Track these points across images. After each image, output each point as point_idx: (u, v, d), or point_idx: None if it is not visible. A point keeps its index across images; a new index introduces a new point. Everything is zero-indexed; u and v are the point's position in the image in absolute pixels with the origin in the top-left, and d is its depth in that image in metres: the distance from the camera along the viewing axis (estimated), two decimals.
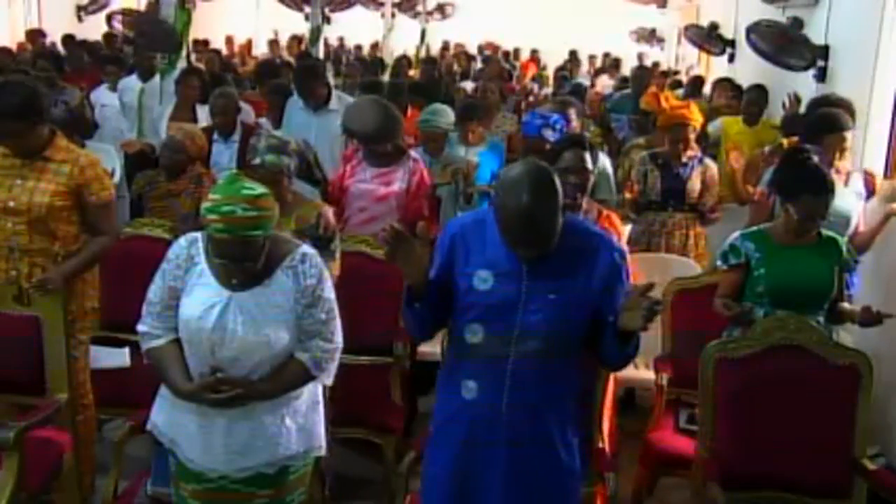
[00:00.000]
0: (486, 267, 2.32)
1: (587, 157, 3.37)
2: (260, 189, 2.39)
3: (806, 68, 5.97)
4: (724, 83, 7.83)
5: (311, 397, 2.62)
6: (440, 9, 17.37)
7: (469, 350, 2.38)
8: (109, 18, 12.19)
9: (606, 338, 2.29)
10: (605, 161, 4.76)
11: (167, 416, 2.58)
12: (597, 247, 2.36)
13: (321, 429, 2.66)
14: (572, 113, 4.87)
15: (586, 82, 11.76)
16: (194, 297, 2.45)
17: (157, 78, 6.50)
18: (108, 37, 10.76)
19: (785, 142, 4.72)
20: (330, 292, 2.54)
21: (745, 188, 4.75)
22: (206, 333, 2.41)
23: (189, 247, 2.50)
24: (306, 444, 2.59)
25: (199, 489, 2.55)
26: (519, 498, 2.39)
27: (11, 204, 3.20)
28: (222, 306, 2.42)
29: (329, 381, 2.60)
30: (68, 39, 10.44)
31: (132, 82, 6.74)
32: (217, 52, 11.48)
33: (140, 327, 2.53)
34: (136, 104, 6.35)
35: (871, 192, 4.30)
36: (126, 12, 9.79)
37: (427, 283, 2.32)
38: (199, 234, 2.51)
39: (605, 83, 12.60)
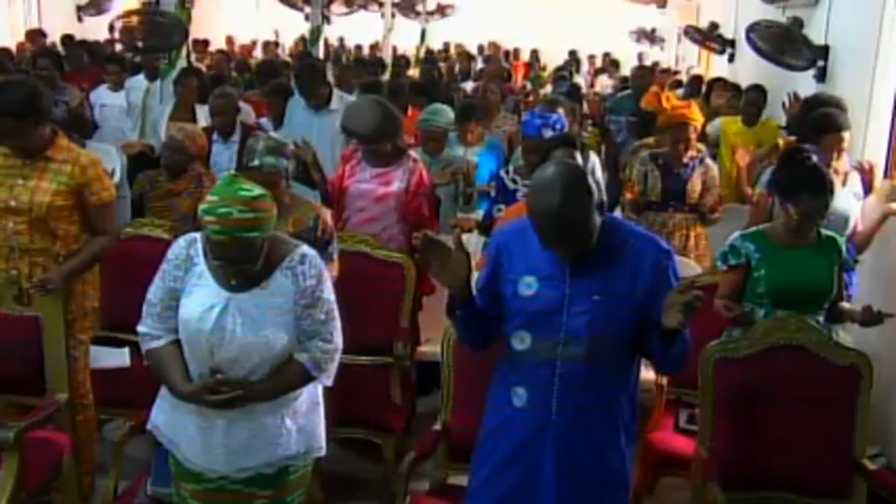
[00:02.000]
0: (529, 272, 2.33)
1: (577, 156, 3.38)
2: (258, 190, 2.38)
3: (806, 68, 5.97)
4: (721, 83, 7.84)
5: (311, 398, 2.62)
6: (440, 9, 17.36)
7: (517, 357, 2.38)
8: (111, 28, 12.13)
9: (653, 339, 2.28)
10: (594, 161, 4.77)
11: (167, 416, 2.58)
12: (641, 247, 2.35)
13: (321, 429, 2.65)
14: (561, 112, 4.87)
15: (585, 82, 11.77)
16: (193, 298, 2.45)
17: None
18: (124, 31, 10.67)
19: (781, 142, 4.73)
20: (329, 293, 2.54)
21: (745, 187, 4.76)
22: (206, 335, 2.41)
23: (188, 247, 2.50)
24: (306, 444, 2.59)
25: (199, 489, 2.55)
26: (569, 498, 2.38)
27: (13, 203, 3.20)
28: (221, 307, 2.41)
29: (329, 381, 2.60)
30: (67, 39, 10.42)
31: (139, 82, 6.74)
32: (224, 52, 11.46)
33: (140, 328, 2.53)
34: (141, 104, 6.36)
35: (868, 185, 4.30)
36: (126, 14, 9.76)
37: (468, 291, 2.31)
38: (197, 235, 2.50)
39: (604, 83, 12.61)
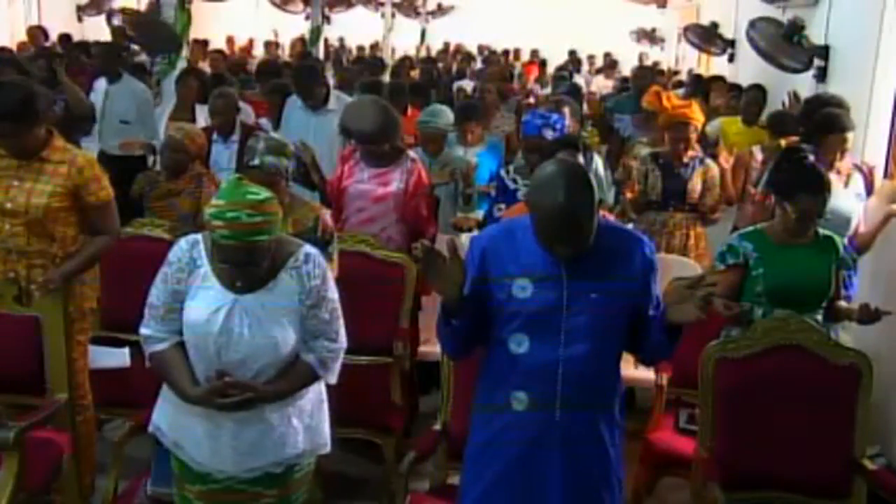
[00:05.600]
0: (523, 275, 2.31)
1: (580, 158, 3.39)
2: (264, 193, 2.38)
3: (800, 70, 5.98)
4: (720, 82, 7.85)
5: (317, 396, 2.63)
6: (440, 9, 17.37)
7: (515, 361, 2.35)
8: (109, 18, 12.17)
9: (652, 332, 2.32)
10: (597, 162, 4.78)
11: (171, 418, 2.57)
12: (630, 244, 2.38)
13: (326, 426, 2.66)
14: (566, 112, 4.88)
15: (585, 82, 11.76)
16: (199, 300, 2.44)
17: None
18: (116, 31, 10.67)
19: (783, 142, 4.73)
20: (333, 292, 2.55)
21: (734, 185, 4.76)
22: (213, 337, 2.40)
23: (190, 249, 2.49)
24: (312, 442, 2.60)
25: (205, 490, 2.55)
26: (577, 499, 2.38)
27: (9, 205, 3.19)
28: (228, 309, 2.41)
29: (333, 380, 2.60)
30: (64, 39, 10.43)
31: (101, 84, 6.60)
32: (222, 52, 11.48)
33: (143, 331, 2.52)
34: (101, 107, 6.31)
35: (869, 187, 4.30)
36: (126, 11, 9.79)
37: (462, 299, 2.29)
38: (199, 236, 2.49)
39: (600, 83, 12.60)
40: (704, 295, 2.17)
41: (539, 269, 2.30)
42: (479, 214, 4.61)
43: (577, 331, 2.30)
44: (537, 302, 2.30)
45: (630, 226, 4.81)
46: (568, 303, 2.30)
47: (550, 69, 13.19)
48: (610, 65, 14.60)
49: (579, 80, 11.76)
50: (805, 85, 5.95)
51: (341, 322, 2.57)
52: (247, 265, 2.38)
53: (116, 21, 10.86)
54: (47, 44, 10.14)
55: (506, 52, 16.25)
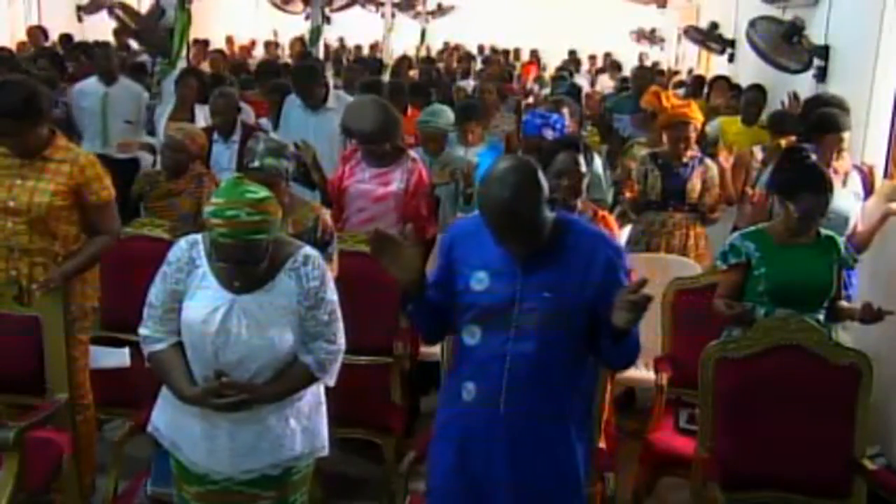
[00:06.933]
0: (482, 267, 2.33)
1: (581, 159, 3.39)
2: (263, 192, 2.38)
3: (800, 71, 5.98)
4: (721, 82, 7.85)
5: (315, 398, 2.62)
6: (440, 9, 17.37)
7: (468, 351, 2.39)
8: (111, 13, 12.14)
9: (603, 337, 2.28)
10: (597, 162, 4.78)
11: (169, 418, 2.57)
12: (594, 245, 2.35)
13: (324, 429, 2.66)
14: (565, 112, 4.88)
15: (585, 82, 11.75)
16: (197, 300, 2.45)
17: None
18: (118, 31, 10.64)
19: (783, 142, 4.73)
20: (332, 294, 2.54)
21: (734, 185, 4.76)
22: (210, 337, 2.41)
23: (190, 249, 2.49)
24: (310, 444, 2.59)
25: (202, 491, 2.55)
26: (522, 497, 2.38)
27: (11, 204, 3.19)
28: (226, 309, 2.41)
29: (332, 382, 2.60)
30: (64, 39, 10.42)
31: (92, 86, 6.51)
32: (222, 52, 11.48)
33: (142, 330, 2.53)
34: (100, 110, 6.29)
35: (868, 187, 4.30)
36: (126, 7, 9.76)
37: (419, 284, 2.33)
38: (199, 237, 2.50)
39: (604, 83, 12.61)
40: (636, 301, 2.11)
41: (497, 262, 2.32)
42: None
43: (527, 328, 2.30)
44: (491, 295, 2.32)
45: (629, 227, 4.83)
46: (520, 299, 2.30)
47: (549, 70, 13.21)
48: (613, 65, 14.61)
49: (579, 80, 11.77)
50: (805, 85, 5.96)
51: (340, 324, 2.56)
52: (245, 264, 2.38)
53: (119, 13, 10.82)
54: (47, 44, 10.15)
55: (506, 52, 16.28)
